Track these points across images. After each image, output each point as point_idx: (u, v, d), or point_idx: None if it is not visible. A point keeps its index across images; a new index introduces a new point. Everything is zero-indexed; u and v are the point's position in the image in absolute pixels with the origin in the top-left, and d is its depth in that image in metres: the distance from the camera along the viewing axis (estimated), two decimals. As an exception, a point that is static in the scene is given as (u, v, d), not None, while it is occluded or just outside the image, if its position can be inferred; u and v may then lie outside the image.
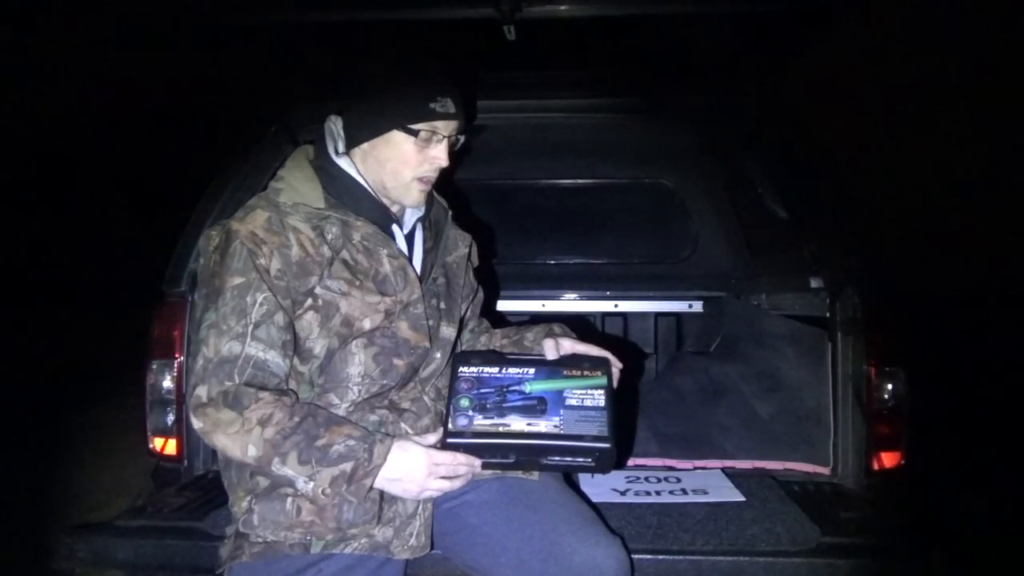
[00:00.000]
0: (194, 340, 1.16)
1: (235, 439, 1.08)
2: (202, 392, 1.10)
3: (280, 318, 1.15)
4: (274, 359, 1.14)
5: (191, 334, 1.63)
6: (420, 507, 1.19)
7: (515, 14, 1.60)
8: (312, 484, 1.07)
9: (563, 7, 1.63)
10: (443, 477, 1.14)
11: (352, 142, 1.28)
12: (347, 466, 1.07)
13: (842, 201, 1.91)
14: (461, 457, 1.15)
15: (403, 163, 1.25)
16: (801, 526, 1.43)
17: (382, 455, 1.09)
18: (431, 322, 1.30)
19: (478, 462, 1.17)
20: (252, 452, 1.07)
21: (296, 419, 1.09)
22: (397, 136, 1.24)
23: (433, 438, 1.18)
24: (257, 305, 1.13)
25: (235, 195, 1.86)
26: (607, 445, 1.15)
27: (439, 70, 1.27)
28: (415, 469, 1.12)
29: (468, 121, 1.31)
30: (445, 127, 1.25)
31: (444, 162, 1.27)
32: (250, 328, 1.12)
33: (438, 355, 1.32)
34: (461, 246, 1.45)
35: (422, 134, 1.23)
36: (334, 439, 1.08)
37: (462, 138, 1.31)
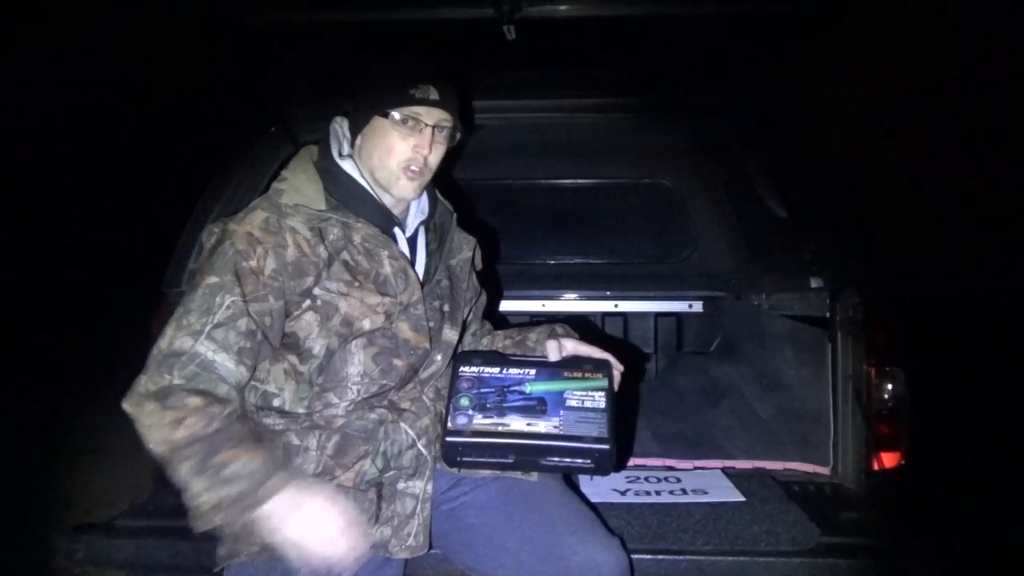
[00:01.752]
0: None
1: (149, 432, 1.06)
2: (142, 379, 1.09)
3: (243, 324, 1.12)
4: (223, 362, 1.10)
5: None
6: (418, 507, 1.19)
7: (515, 14, 1.60)
8: (197, 501, 1.03)
9: (563, 7, 1.63)
10: (324, 544, 1.03)
11: (352, 139, 1.30)
12: (233, 490, 1.02)
13: (842, 201, 1.91)
14: (351, 536, 1.05)
15: (387, 151, 1.25)
16: (801, 526, 1.43)
17: (269, 493, 1.03)
18: (432, 324, 1.30)
19: (363, 550, 1.07)
20: (158, 449, 1.05)
21: (211, 428, 1.05)
22: (379, 123, 1.25)
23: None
24: (223, 307, 1.11)
25: (235, 195, 1.86)
26: (606, 447, 1.15)
27: (425, 60, 1.28)
28: (303, 519, 1.04)
29: (461, 115, 1.31)
30: (427, 114, 1.25)
31: (426, 150, 1.26)
32: (208, 327, 1.10)
33: (439, 357, 1.32)
34: (465, 249, 1.45)
35: (402, 119, 1.24)
36: (236, 457, 1.03)
37: (459, 134, 1.31)
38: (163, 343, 1.10)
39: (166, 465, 1.06)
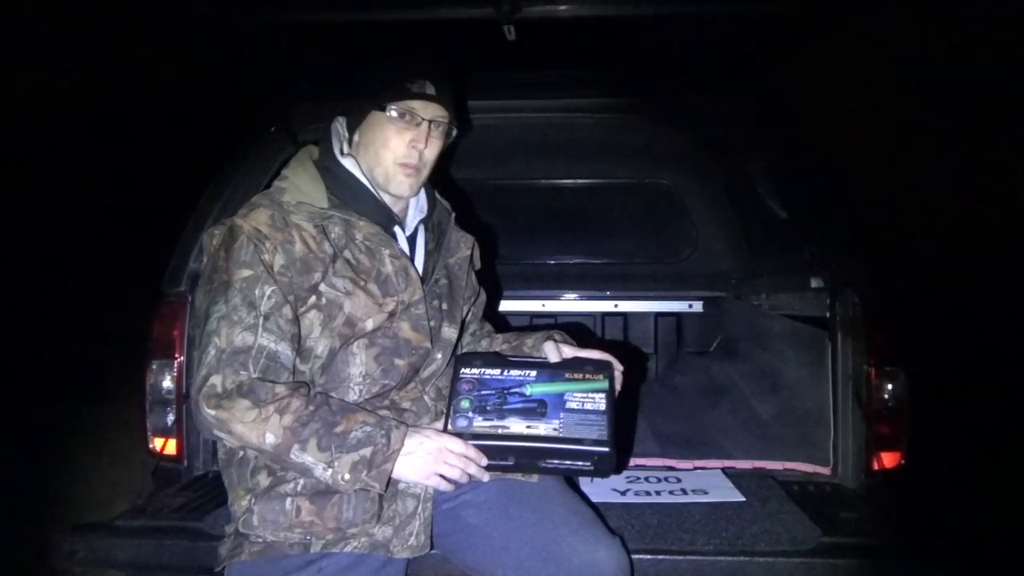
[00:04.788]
0: (202, 333, 1.15)
1: (252, 427, 1.07)
2: (216, 381, 1.09)
3: (288, 311, 1.16)
4: (284, 351, 1.14)
5: (194, 329, 1.63)
6: (419, 507, 1.19)
7: (515, 14, 1.60)
8: (331, 471, 1.08)
9: (563, 7, 1.63)
10: (451, 466, 1.14)
11: (349, 136, 1.30)
12: (366, 451, 1.08)
13: (842, 201, 1.91)
14: (471, 450, 1.15)
15: (383, 146, 1.26)
16: (801, 526, 1.43)
17: (399, 440, 1.11)
18: (432, 323, 1.31)
19: (485, 460, 1.17)
20: (270, 440, 1.07)
21: (312, 407, 1.10)
22: (376, 117, 1.26)
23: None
24: (265, 298, 1.14)
25: (235, 195, 1.86)
26: (606, 449, 1.15)
27: (423, 54, 1.29)
28: (428, 451, 1.13)
29: (458, 113, 1.32)
30: (423, 108, 1.26)
31: (422, 145, 1.27)
32: (260, 320, 1.13)
33: (439, 356, 1.32)
34: (463, 248, 1.45)
35: (399, 113, 1.25)
36: (351, 425, 1.10)
37: (455, 130, 1.32)
38: (222, 343, 1.11)
39: (283, 453, 1.08)
